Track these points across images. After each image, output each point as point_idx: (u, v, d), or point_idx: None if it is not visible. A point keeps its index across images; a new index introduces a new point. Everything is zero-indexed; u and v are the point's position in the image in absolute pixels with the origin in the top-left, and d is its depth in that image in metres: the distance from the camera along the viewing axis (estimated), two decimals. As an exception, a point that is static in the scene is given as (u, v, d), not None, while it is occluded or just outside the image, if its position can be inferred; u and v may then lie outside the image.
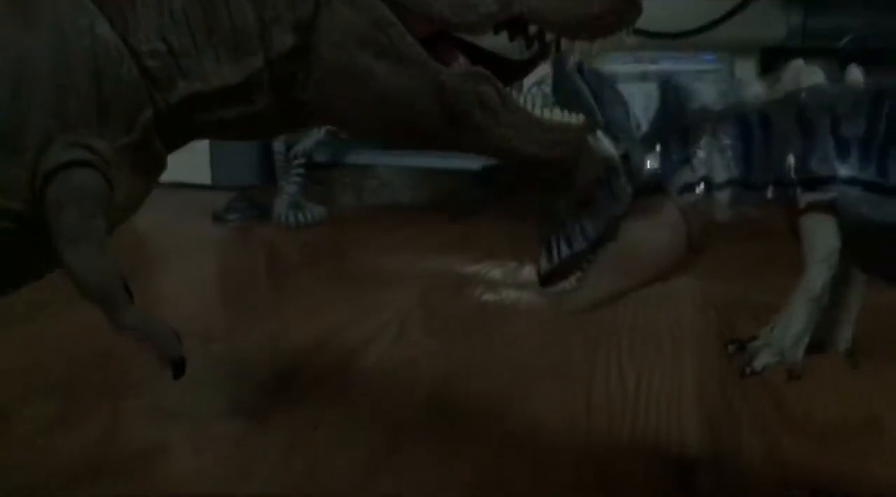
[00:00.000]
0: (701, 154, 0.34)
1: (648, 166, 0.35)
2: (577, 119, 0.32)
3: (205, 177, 1.05)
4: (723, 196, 0.34)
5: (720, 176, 0.34)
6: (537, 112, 0.31)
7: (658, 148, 0.35)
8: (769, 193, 0.33)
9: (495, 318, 0.66)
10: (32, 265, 0.33)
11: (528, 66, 0.33)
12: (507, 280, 0.76)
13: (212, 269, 0.85)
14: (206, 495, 0.39)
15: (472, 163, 1.00)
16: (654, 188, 0.34)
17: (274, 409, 0.48)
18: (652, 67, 0.97)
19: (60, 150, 0.29)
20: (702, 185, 0.34)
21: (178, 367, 0.32)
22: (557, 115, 0.31)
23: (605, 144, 0.34)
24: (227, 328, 0.64)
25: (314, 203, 1.00)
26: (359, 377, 0.53)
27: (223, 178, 1.02)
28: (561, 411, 0.48)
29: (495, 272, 0.78)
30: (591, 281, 0.35)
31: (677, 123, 0.35)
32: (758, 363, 0.36)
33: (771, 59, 1.00)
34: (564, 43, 0.31)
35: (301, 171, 0.99)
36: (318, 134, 1.00)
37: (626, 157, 0.34)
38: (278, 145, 1.00)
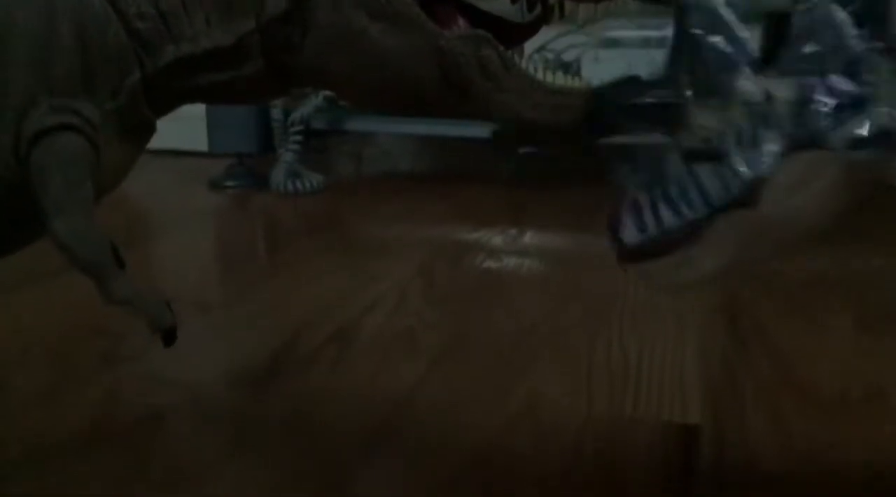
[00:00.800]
0: (880, 96, 0.26)
1: (801, 114, 0.26)
2: (580, 82, 0.30)
3: (202, 144, 1.04)
4: None
5: None
6: (540, 75, 0.30)
7: (814, 86, 0.26)
8: None
9: (496, 286, 0.65)
10: (20, 232, 0.32)
11: (530, 29, 0.31)
12: (507, 247, 0.76)
13: (209, 237, 0.84)
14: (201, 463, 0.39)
15: (474, 130, 0.99)
16: (812, 141, 0.26)
17: (272, 377, 0.48)
18: (655, 34, 0.95)
19: (45, 114, 0.28)
20: (881, 142, 0.26)
21: (169, 337, 0.31)
22: (560, 79, 0.30)
23: (748, 84, 0.26)
24: (225, 296, 0.64)
25: (312, 171, 0.99)
26: (358, 347, 0.53)
27: (220, 146, 1.01)
28: (562, 382, 0.47)
29: (496, 240, 0.78)
30: (707, 255, 0.28)
31: (842, 55, 0.26)
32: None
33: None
34: (568, 6, 0.30)
35: (299, 138, 0.98)
36: (316, 101, 0.99)
37: (770, 97, 0.26)
38: (276, 112, 0.99)
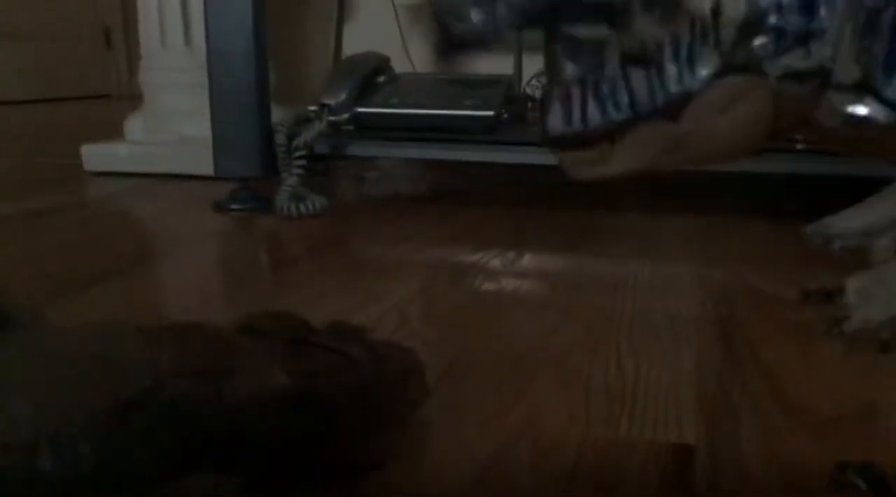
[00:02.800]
0: (827, 34, 0.25)
1: (744, 36, 0.25)
2: None
3: (207, 168, 1.06)
4: (842, 100, 0.25)
5: (847, 74, 0.25)
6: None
7: (767, 9, 0.25)
8: None
9: (495, 307, 0.66)
10: None
11: None
12: (506, 269, 0.76)
13: (213, 259, 0.85)
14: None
15: (472, 154, 1.00)
16: (747, 66, 0.25)
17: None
18: None
19: None
20: (815, 79, 0.25)
21: None
22: None
23: None
24: (230, 317, 0.64)
25: (315, 194, 1.00)
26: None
27: (225, 170, 1.02)
28: (560, 402, 0.48)
29: (495, 262, 0.79)
30: (622, 157, 0.28)
31: None
32: (850, 325, 0.30)
33: None
34: None
35: (303, 162, 0.99)
36: (319, 126, 1.00)
37: (717, 14, 0.25)
38: (280, 137, 1.00)
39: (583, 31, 0.27)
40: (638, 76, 0.26)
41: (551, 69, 0.28)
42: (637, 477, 0.40)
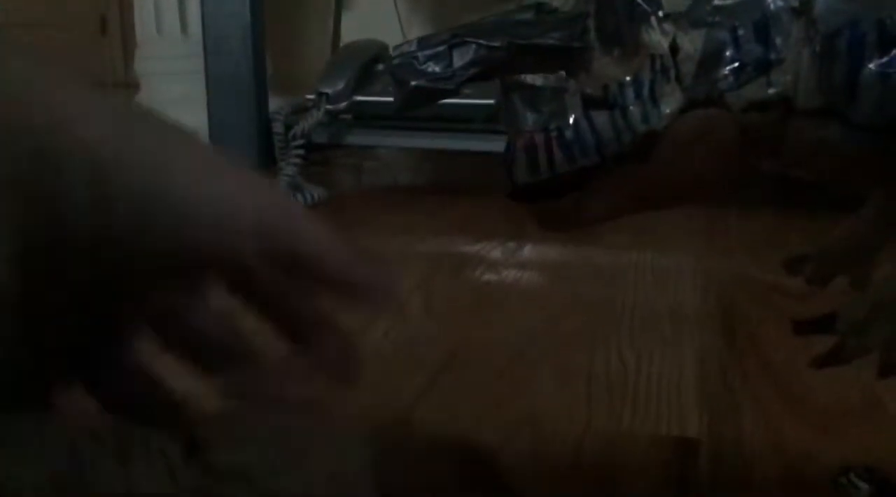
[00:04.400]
0: (786, 62, 0.24)
1: (704, 70, 0.24)
2: None
3: (203, 158, 1.05)
4: (808, 127, 0.25)
5: (809, 100, 0.24)
6: None
7: (724, 42, 0.25)
8: (876, 140, 0.24)
9: (495, 299, 0.65)
10: None
11: None
12: (507, 261, 0.76)
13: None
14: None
15: (473, 144, 0.99)
16: (710, 100, 0.25)
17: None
18: None
19: None
20: (779, 108, 0.25)
21: None
22: None
23: (654, 35, 0.25)
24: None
25: (313, 184, 1.00)
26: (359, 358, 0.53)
27: (222, 159, 1.01)
28: (561, 394, 0.48)
29: (496, 252, 0.78)
30: (594, 202, 0.27)
31: (755, 11, 0.25)
32: (846, 353, 0.30)
33: None
34: None
35: (300, 151, 0.98)
36: (317, 115, 1.00)
37: (676, 50, 0.25)
38: (277, 126, 1.00)
39: (540, 78, 0.27)
40: (602, 119, 0.26)
41: (511, 120, 0.28)
42: (639, 471, 0.40)
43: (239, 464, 0.27)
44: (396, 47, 0.28)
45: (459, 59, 0.27)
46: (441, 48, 0.27)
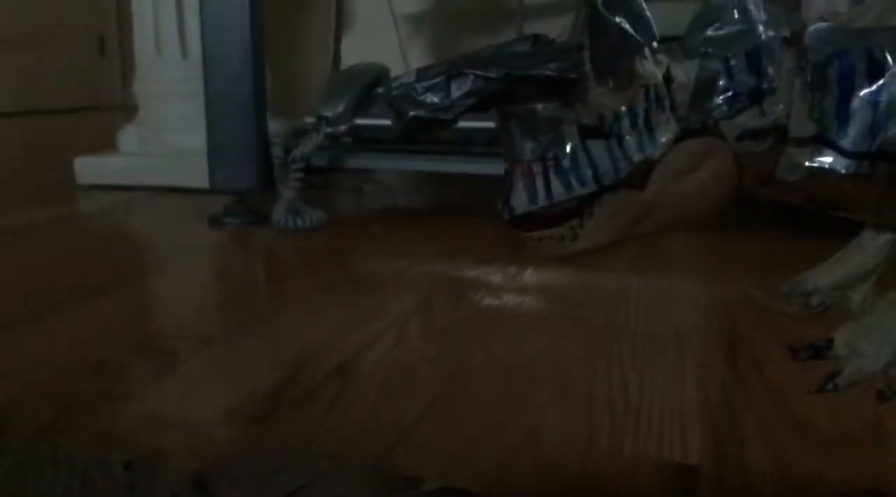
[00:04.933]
0: (779, 92, 0.25)
1: (698, 99, 0.25)
2: None
3: (202, 181, 1.05)
4: (801, 154, 0.25)
5: (802, 128, 0.25)
6: None
7: (717, 72, 0.25)
8: (868, 166, 0.24)
9: (495, 322, 0.65)
10: None
11: None
12: (507, 284, 0.76)
13: (209, 273, 0.84)
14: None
15: (473, 167, 1.00)
16: (704, 128, 0.26)
17: (273, 414, 0.48)
18: None
19: None
20: (772, 136, 0.26)
21: None
22: None
23: (648, 66, 0.26)
24: (225, 332, 0.64)
25: (313, 207, 1.00)
26: (358, 382, 0.52)
27: (221, 183, 1.01)
28: (562, 418, 0.47)
29: (496, 276, 0.78)
30: (591, 230, 0.28)
31: (747, 41, 0.25)
32: (843, 379, 0.30)
33: None
34: None
35: (300, 175, 0.99)
36: (317, 138, 1.00)
37: (669, 80, 0.26)
38: (277, 149, 1.00)
39: (537, 108, 0.28)
40: (598, 148, 0.27)
41: (509, 149, 0.28)
42: (641, 491, 0.39)
43: None
44: (395, 78, 0.29)
45: (457, 89, 0.28)
46: (439, 79, 0.28)
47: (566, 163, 0.27)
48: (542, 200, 0.27)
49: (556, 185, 0.27)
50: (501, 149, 0.29)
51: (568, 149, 0.27)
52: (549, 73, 0.27)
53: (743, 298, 0.70)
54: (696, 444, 0.44)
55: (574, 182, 0.27)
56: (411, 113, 0.28)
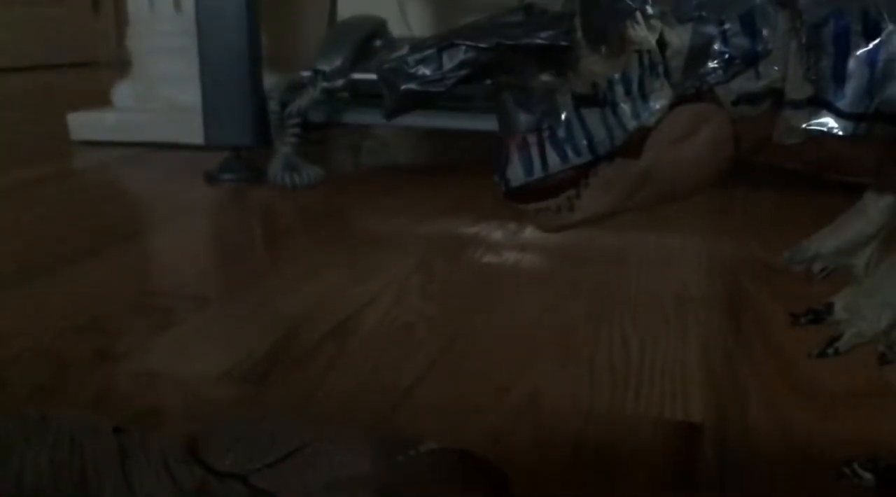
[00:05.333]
0: (774, 54, 0.25)
1: (692, 64, 0.25)
2: None
3: (197, 137, 1.03)
4: (798, 117, 0.25)
5: (798, 90, 0.25)
6: None
7: (712, 36, 0.25)
8: (866, 127, 0.24)
9: (496, 281, 0.64)
10: None
11: None
12: (508, 242, 0.75)
13: (206, 231, 0.83)
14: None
15: (473, 123, 0.98)
16: (699, 94, 0.25)
17: (270, 373, 0.47)
18: None
19: None
20: (768, 99, 0.25)
21: None
22: None
23: (641, 31, 0.25)
24: (222, 291, 0.63)
25: (310, 164, 0.98)
26: (356, 342, 0.52)
27: (216, 138, 1.00)
28: (563, 378, 0.47)
29: (496, 234, 0.77)
30: (588, 201, 0.27)
31: (741, 4, 0.25)
32: (844, 342, 0.30)
33: None
34: None
35: (297, 131, 0.97)
36: (313, 92, 0.98)
37: (663, 46, 0.25)
38: (273, 104, 0.98)
39: (531, 78, 0.27)
40: (593, 117, 0.26)
41: (503, 121, 0.28)
42: (642, 457, 0.39)
43: (238, 464, 0.26)
44: (387, 49, 0.28)
45: (449, 61, 0.27)
46: (430, 51, 0.27)
47: (561, 133, 0.26)
48: (538, 172, 0.27)
49: (552, 156, 0.27)
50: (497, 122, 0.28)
51: (563, 118, 0.27)
52: (540, 41, 0.27)
53: (747, 258, 0.69)
54: (699, 405, 0.43)
55: (570, 152, 0.26)
56: (403, 86, 0.28)
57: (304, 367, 0.48)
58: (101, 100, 1.33)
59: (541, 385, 0.46)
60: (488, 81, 0.28)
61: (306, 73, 1.00)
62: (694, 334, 0.53)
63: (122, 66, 1.46)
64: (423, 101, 0.28)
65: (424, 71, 0.28)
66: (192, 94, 1.04)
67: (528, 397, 0.45)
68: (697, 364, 0.49)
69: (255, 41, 0.98)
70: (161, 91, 1.24)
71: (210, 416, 0.43)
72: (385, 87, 0.28)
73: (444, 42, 0.27)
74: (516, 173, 0.27)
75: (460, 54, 0.27)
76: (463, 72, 0.27)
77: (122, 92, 1.30)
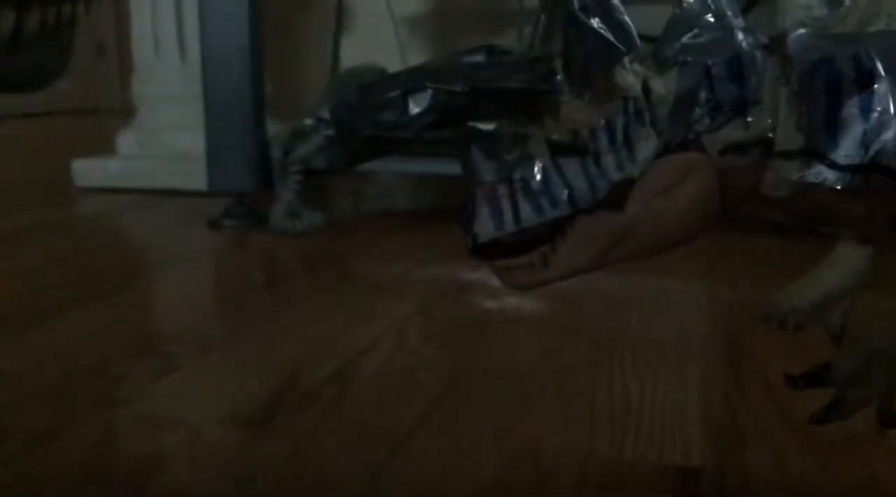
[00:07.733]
0: (763, 104, 0.24)
1: (679, 112, 0.24)
2: None
3: (200, 183, 1.04)
4: (789, 168, 0.24)
5: (789, 141, 0.24)
6: None
7: (698, 82, 0.24)
8: (857, 179, 0.23)
9: (496, 326, 0.65)
10: None
11: None
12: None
13: (207, 276, 0.84)
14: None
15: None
16: (685, 143, 0.24)
17: (271, 417, 0.47)
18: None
19: None
20: (757, 149, 0.24)
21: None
22: None
23: (627, 76, 0.24)
24: (224, 335, 0.63)
25: (312, 209, 0.99)
26: (357, 386, 0.52)
27: (219, 184, 1.01)
28: (563, 422, 0.47)
29: (495, 279, 0.77)
30: (566, 256, 0.25)
31: (726, 49, 0.24)
32: (846, 409, 0.29)
33: None
34: None
35: (299, 177, 0.98)
36: (316, 139, 1.00)
37: (647, 92, 0.24)
38: (276, 151, 1.00)
39: (500, 125, 0.25)
40: (572, 167, 0.24)
41: (470, 170, 0.26)
42: (643, 499, 0.39)
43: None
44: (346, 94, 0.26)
45: (415, 105, 0.25)
46: (394, 94, 0.25)
47: (536, 184, 0.24)
48: (509, 225, 0.24)
49: (526, 209, 0.24)
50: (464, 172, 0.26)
51: (537, 168, 0.24)
52: (518, 85, 0.25)
53: (746, 302, 0.70)
54: (698, 449, 0.43)
55: (546, 204, 0.24)
56: (363, 132, 0.25)
57: (305, 411, 0.48)
58: (106, 147, 1.35)
59: (540, 429, 0.46)
60: (453, 128, 0.26)
61: (309, 121, 1.02)
62: (693, 377, 0.54)
63: (126, 112, 1.48)
64: (386, 148, 0.25)
65: (388, 116, 0.25)
66: (195, 142, 1.06)
67: (528, 440, 0.45)
68: (696, 407, 0.49)
69: (259, 88, 1.00)
70: (165, 138, 1.26)
71: (212, 459, 0.43)
72: (339, 132, 0.26)
73: (409, 84, 0.25)
74: (485, 227, 0.25)
75: (427, 99, 0.25)
76: (430, 117, 0.25)
77: (127, 139, 1.32)
